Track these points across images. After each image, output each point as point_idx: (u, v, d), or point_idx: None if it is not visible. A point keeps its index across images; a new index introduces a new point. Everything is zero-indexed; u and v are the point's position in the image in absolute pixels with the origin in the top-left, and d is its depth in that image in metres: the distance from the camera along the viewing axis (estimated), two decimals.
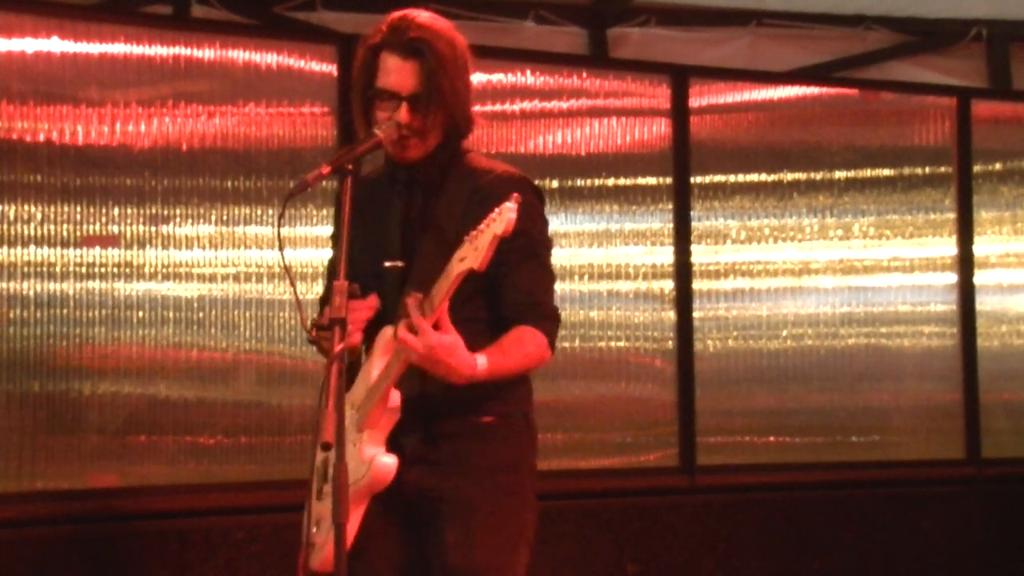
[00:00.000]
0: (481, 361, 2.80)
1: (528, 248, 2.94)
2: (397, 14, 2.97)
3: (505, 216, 2.67)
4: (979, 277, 6.04)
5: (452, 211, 2.94)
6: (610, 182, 5.44)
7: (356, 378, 2.96)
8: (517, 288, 2.94)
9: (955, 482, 5.94)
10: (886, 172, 5.95)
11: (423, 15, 2.97)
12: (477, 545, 2.91)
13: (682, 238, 5.53)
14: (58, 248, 4.54)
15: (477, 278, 2.79)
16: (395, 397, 2.89)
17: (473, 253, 2.69)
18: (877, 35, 6.61)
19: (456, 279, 2.72)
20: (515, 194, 2.72)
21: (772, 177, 5.76)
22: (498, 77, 5.24)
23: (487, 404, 2.95)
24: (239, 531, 4.67)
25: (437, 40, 2.92)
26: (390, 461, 2.87)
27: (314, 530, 2.89)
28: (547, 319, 2.96)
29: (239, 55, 4.84)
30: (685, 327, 5.50)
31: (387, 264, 2.96)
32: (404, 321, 2.76)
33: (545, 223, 3.04)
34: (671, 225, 5.53)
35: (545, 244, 3.03)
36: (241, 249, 4.82)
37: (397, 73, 2.92)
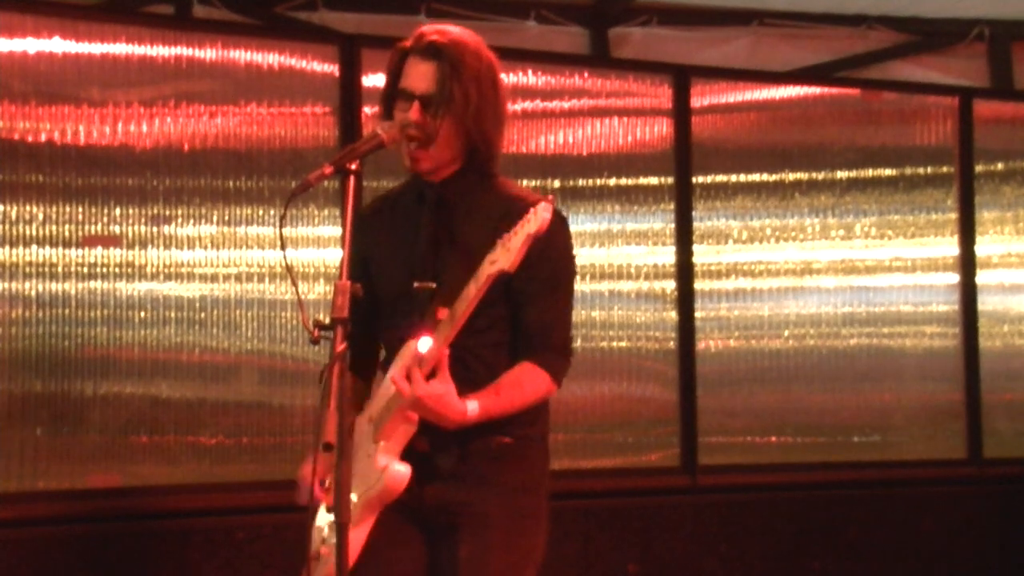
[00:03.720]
0: (472, 408, 2.84)
1: (552, 278, 2.95)
2: (431, 25, 3.01)
3: (540, 216, 2.70)
4: (981, 277, 6.04)
5: (481, 233, 2.92)
6: (612, 182, 5.43)
7: (373, 391, 2.99)
8: (533, 318, 2.96)
9: (957, 482, 5.94)
10: (888, 172, 5.94)
11: (456, 28, 2.99)
12: (490, 562, 2.93)
13: (684, 238, 5.52)
14: (60, 248, 4.54)
15: (503, 303, 2.83)
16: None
17: (505, 255, 2.71)
18: (878, 35, 6.61)
19: (487, 282, 2.74)
20: (550, 195, 2.75)
21: (774, 177, 5.76)
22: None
23: (511, 426, 2.97)
24: (240, 531, 4.67)
25: (460, 48, 2.93)
26: (403, 470, 2.88)
27: (322, 541, 2.90)
28: (557, 353, 2.98)
29: (241, 55, 4.84)
30: (687, 327, 5.50)
31: (417, 284, 2.96)
32: (403, 367, 2.82)
33: (571, 251, 3.04)
34: (673, 225, 5.52)
35: (569, 274, 3.04)
36: (243, 249, 4.81)
37: (415, 75, 2.94)
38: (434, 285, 2.94)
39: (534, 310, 2.95)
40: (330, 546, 2.84)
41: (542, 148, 5.33)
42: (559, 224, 2.94)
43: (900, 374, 5.91)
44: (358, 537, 2.85)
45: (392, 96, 2.99)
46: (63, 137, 4.55)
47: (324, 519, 2.90)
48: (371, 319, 3.01)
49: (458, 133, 2.95)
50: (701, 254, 5.56)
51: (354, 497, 2.77)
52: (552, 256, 2.89)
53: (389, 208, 3.11)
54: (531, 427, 3.01)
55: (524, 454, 3.01)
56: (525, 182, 5.11)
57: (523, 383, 2.93)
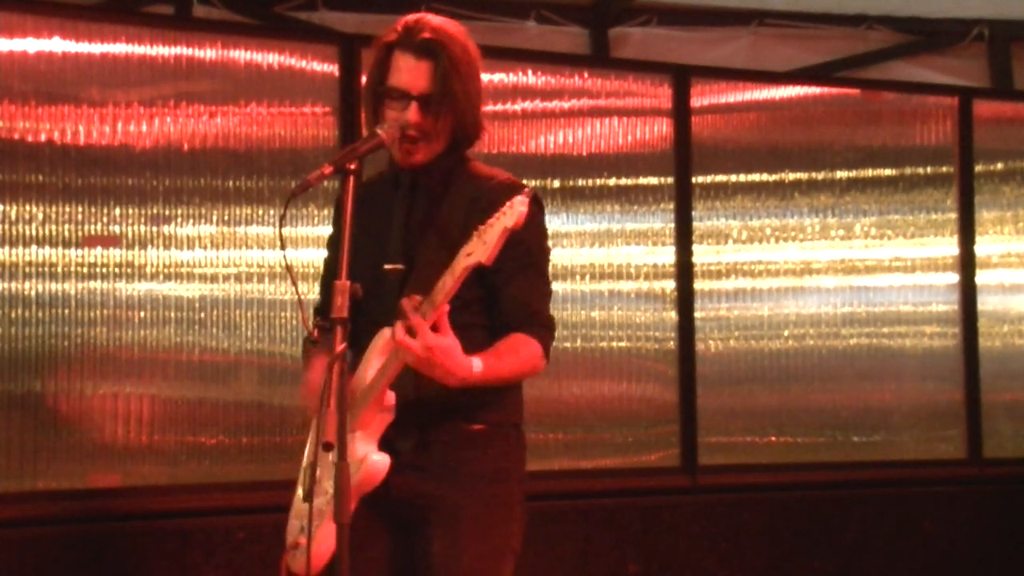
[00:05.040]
0: (476, 364, 2.80)
1: (526, 257, 2.95)
2: (412, 16, 3.00)
3: (516, 210, 2.69)
4: (981, 277, 6.04)
5: (454, 216, 2.94)
6: (611, 182, 5.43)
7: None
8: (514, 297, 2.95)
9: (957, 482, 5.94)
10: (887, 172, 5.94)
11: (437, 18, 2.99)
12: (463, 554, 2.91)
13: (683, 238, 5.52)
14: (59, 248, 4.54)
15: (476, 285, 2.81)
16: (390, 398, 2.89)
17: (481, 247, 2.70)
18: (878, 35, 6.61)
19: (463, 273, 2.73)
20: (526, 189, 2.74)
21: (773, 177, 5.76)
22: (499, 77, 5.24)
23: (480, 412, 2.96)
24: (240, 531, 4.67)
25: (451, 42, 2.93)
26: (381, 460, 2.86)
27: (299, 531, 2.88)
28: (543, 328, 2.97)
29: (241, 55, 4.84)
30: (687, 327, 5.50)
31: (387, 267, 2.96)
32: (402, 322, 2.76)
33: (544, 233, 3.05)
34: (672, 225, 5.52)
35: (543, 253, 3.04)
36: (243, 249, 4.82)
37: (409, 72, 2.93)
38: (403, 267, 2.94)
39: (511, 289, 2.94)
40: (309, 536, 2.81)
41: (542, 148, 5.33)
42: (534, 208, 2.92)
43: (900, 374, 5.91)
44: (332, 531, 2.83)
45: (379, 94, 2.97)
46: (63, 137, 4.55)
47: (301, 510, 2.88)
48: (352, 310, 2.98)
49: (453, 126, 2.97)
50: (701, 254, 5.56)
51: (329, 488, 2.72)
52: (525, 238, 2.87)
53: (364, 196, 3.09)
54: (502, 413, 3.00)
55: (493, 442, 2.99)
56: (525, 182, 5.10)
57: (519, 350, 2.90)
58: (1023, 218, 6.20)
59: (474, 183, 3.00)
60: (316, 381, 2.78)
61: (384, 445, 2.90)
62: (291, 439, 4.78)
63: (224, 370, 4.77)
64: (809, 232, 5.80)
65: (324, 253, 3.20)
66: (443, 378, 2.77)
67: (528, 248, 2.95)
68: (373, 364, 2.91)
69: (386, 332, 2.89)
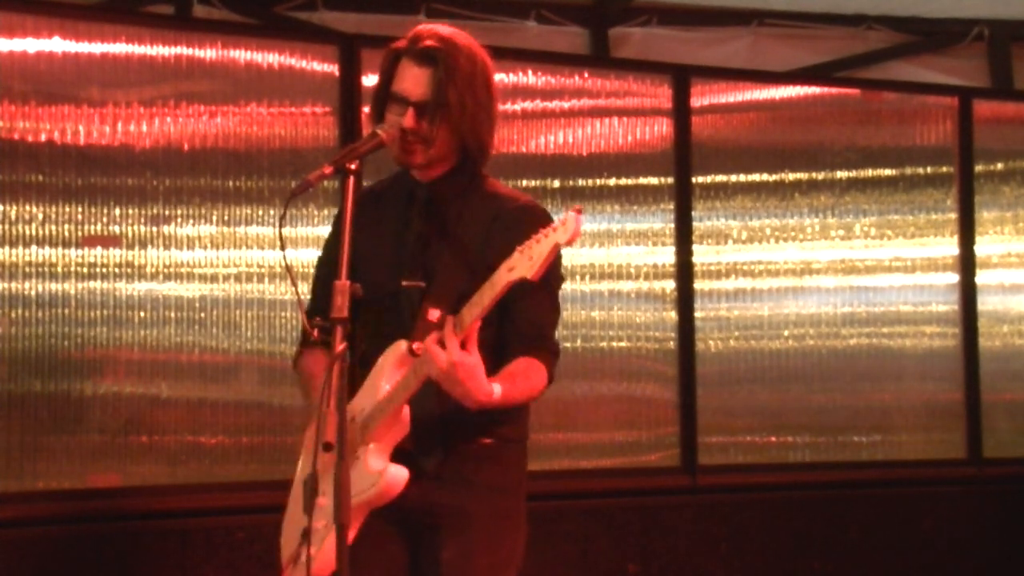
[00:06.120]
0: (497, 390, 2.78)
1: (542, 279, 2.93)
2: (424, 25, 3.00)
3: (571, 226, 2.63)
4: (981, 277, 6.04)
5: (473, 233, 2.93)
6: (611, 182, 5.43)
7: (357, 389, 2.93)
8: (525, 318, 2.94)
9: (957, 482, 5.94)
10: (888, 172, 5.95)
11: (448, 29, 2.99)
12: (473, 563, 2.92)
13: (683, 238, 5.52)
14: (60, 248, 4.54)
15: (498, 303, 2.80)
16: (406, 412, 2.86)
17: (527, 263, 2.66)
18: (878, 35, 6.62)
19: (503, 289, 2.69)
20: (578, 205, 2.71)
21: (773, 177, 5.76)
22: (499, 77, 5.18)
23: (495, 427, 2.96)
24: (240, 531, 4.67)
25: (455, 52, 2.92)
26: (400, 473, 2.85)
27: (298, 543, 2.85)
28: (550, 353, 2.97)
29: (241, 55, 4.84)
30: (686, 327, 5.50)
31: (405, 283, 2.95)
32: (435, 333, 2.75)
33: (561, 257, 3.02)
34: (672, 225, 5.52)
35: (558, 278, 3.03)
36: (243, 249, 4.82)
37: (410, 79, 2.93)
38: (423, 284, 2.93)
39: (526, 308, 2.93)
40: (316, 548, 2.78)
41: (542, 148, 5.33)
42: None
43: (900, 374, 5.91)
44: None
45: (384, 98, 2.98)
46: (63, 137, 4.55)
47: (301, 520, 2.86)
48: (352, 316, 2.97)
49: (453, 136, 2.96)
50: (701, 254, 5.56)
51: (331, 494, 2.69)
52: None
53: (373, 203, 3.08)
54: (509, 428, 3.00)
55: (502, 455, 2.99)
56: (525, 182, 5.12)
57: (530, 375, 2.90)
58: (1023, 218, 6.20)
59: (494, 202, 2.99)
60: (319, 375, 2.75)
61: (402, 457, 2.88)
62: (291, 439, 4.77)
63: (224, 370, 4.77)
64: (809, 232, 5.80)
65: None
66: (461, 397, 2.75)
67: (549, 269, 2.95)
68: (387, 377, 2.89)
69: (401, 345, 2.88)
